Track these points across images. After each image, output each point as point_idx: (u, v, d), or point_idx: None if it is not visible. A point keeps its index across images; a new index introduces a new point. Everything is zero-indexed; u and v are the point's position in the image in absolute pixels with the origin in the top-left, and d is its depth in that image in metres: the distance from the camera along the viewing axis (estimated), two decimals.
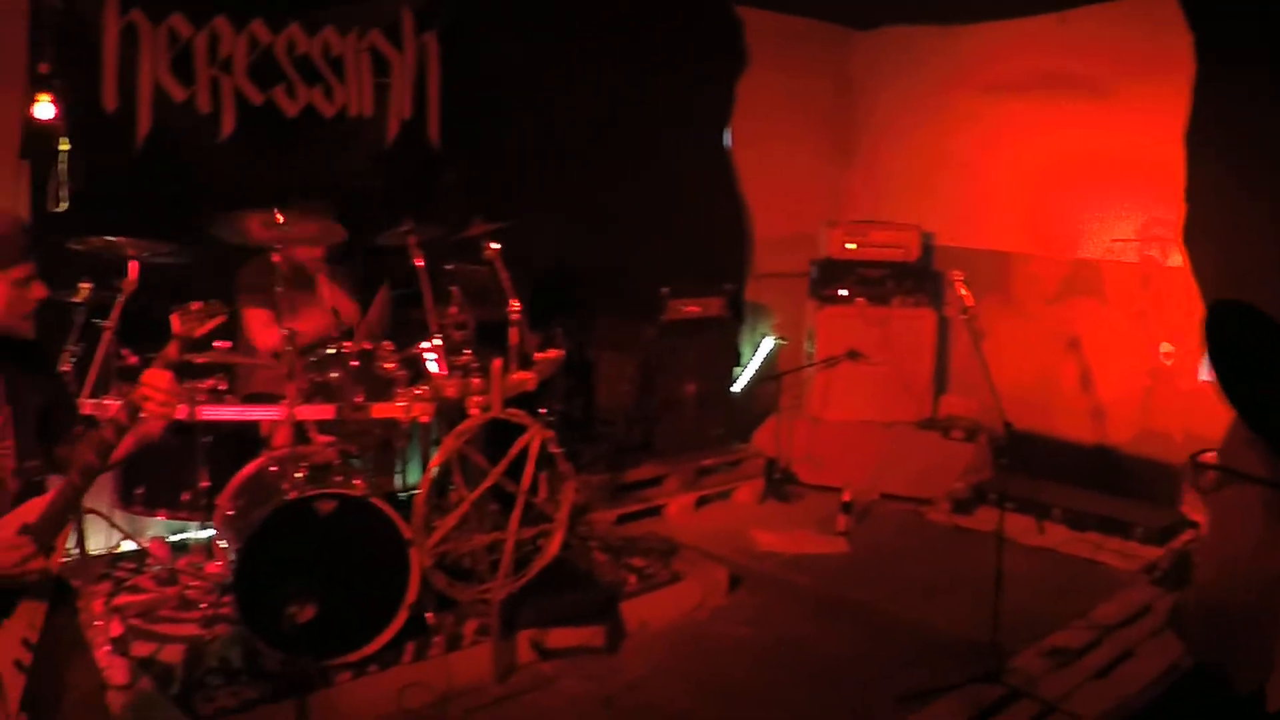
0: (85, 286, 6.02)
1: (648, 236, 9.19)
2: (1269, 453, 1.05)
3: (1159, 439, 8.87)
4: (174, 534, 7.06)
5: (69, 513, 3.69)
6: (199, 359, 5.82)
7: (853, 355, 9.20)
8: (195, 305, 3.88)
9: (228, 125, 7.32)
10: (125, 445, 3.75)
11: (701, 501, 8.87)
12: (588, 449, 8.25)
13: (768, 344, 10.37)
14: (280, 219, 5.89)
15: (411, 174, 8.05)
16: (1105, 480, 8.98)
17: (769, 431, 9.58)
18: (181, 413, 5.48)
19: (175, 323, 3.83)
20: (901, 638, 6.68)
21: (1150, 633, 6.54)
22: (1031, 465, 8.38)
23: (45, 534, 3.61)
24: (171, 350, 3.79)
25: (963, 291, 6.65)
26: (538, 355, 6.71)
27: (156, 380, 3.66)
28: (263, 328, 6.48)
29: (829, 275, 9.73)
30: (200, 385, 5.93)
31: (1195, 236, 8.31)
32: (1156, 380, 8.94)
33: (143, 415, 3.68)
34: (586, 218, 8.81)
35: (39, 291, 3.60)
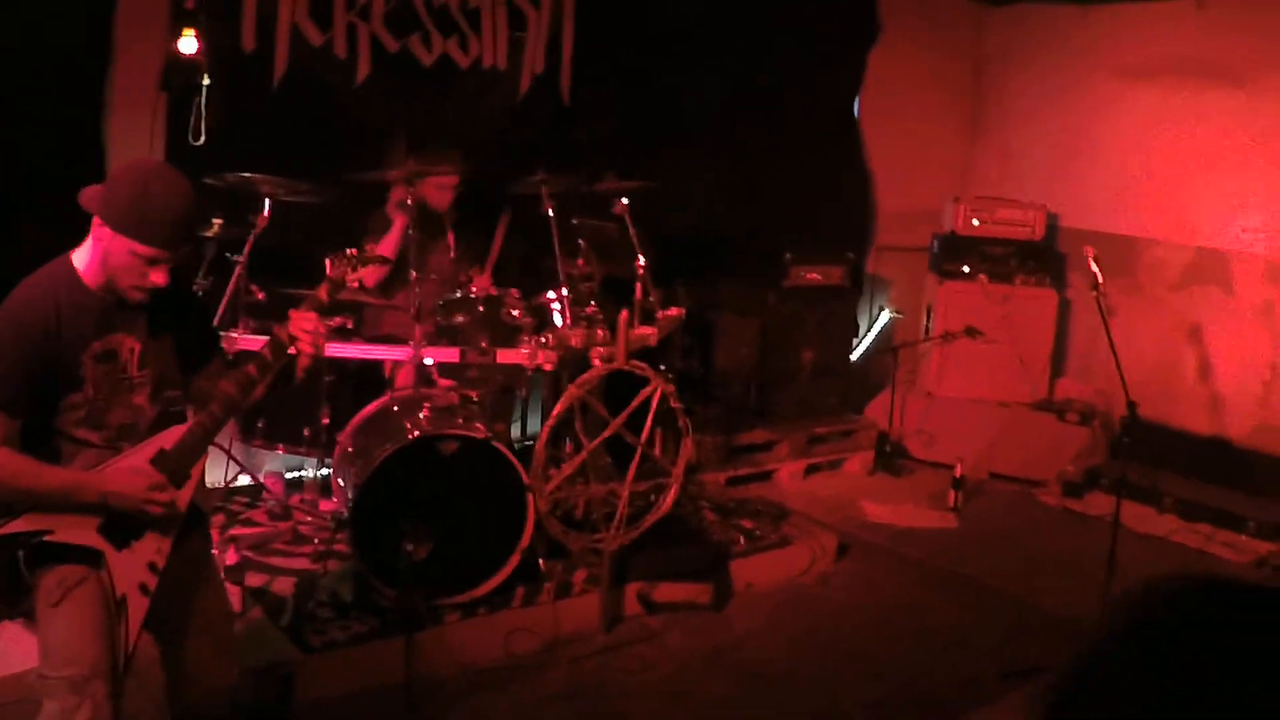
0: (217, 222, 6.12)
1: (773, 202, 9.20)
2: None
3: (1277, 434, 8.74)
4: (289, 471, 7.17)
5: (205, 443, 3.78)
6: (333, 318, 5.91)
7: (971, 332, 9.12)
8: (351, 251, 3.96)
9: (363, 70, 7.41)
10: (266, 383, 3.83)
11: (811, 469, 8.87)
12: (703, 409, 8.26)
13: (886, 316, 10.33)
14: (412, 162, 5.96)
15: (542, 128, 8.10)
16: (1219, 472, 8.86)
17: (882, 404, 9.54)
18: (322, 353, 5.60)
19: (329, 266, 3.91)
20: (1008, 614, 6.64)
21: None
22: (1146, 453, 8.28)
23: (179, 463, 3.69)
24: (322, 292, 3.86)
25: (1094, 267, 6.59)
26: (660, 312, 6.73)
27: (305, 322, 3.73)
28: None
29: (951, 250, 9.65)
30: (328, 323, 6.01)
31: None
32: (1277, 374, 8.80)
33: (290, 353, 3.75)
34: (714, 180, 8.84)
35: (159, 277, 3.59)
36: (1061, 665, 0.79)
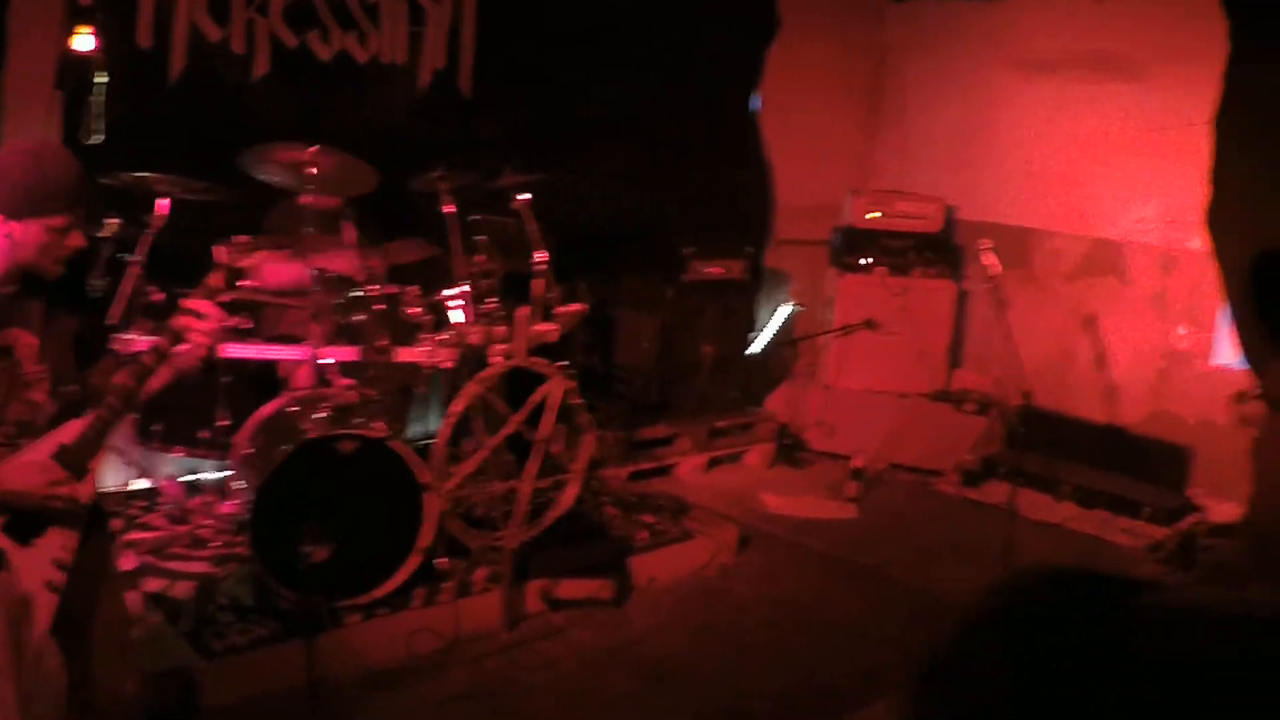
0: (113, 222, 6.03)
1: (674, 197, 9.20)
2: None
3: (1171, 421, 8.88)
4: (188, 473, 7.09)
5: (104, 437, 3.74)
6: (224, 296, 5.85)
7: (870, 324, 9.19)
8: (241, 238, 3.94)
9: (261, 67, 7.34)
10: (162, 375, 3.80)
11: (712, 463, 8.90)
12: (604, 405, 8.26)
13: (785, 310, 10.39)
14: (310, 160, 5.92)
15: (442, 123, 8.06)
16: (1115, 459, 8.99)
17: (782, 397, 9.61)
18: (220, 345, 5.55)
19: (220, 253, 3.88)
20: (908, 603, 6.71)
21: None
22: (1042, 441, 8.39)
23: (79, 457, 3.66)
24: (215, 279, 3.84)
25: (990, 259, 6.67)
26: (560, 308, 6.73)
27: (199, 308, 3.71)
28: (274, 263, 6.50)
29: (851, 243, 9.71)
30: (225, 324, 5.94)
31: (1217, 220, 8.31)
32: (1171, 362, 8.94)
33: (185, 342, 3.72)
34: (615, 174, 8.82)
35: (76, 240, 3.64)
36: (922, 653, 0.81)
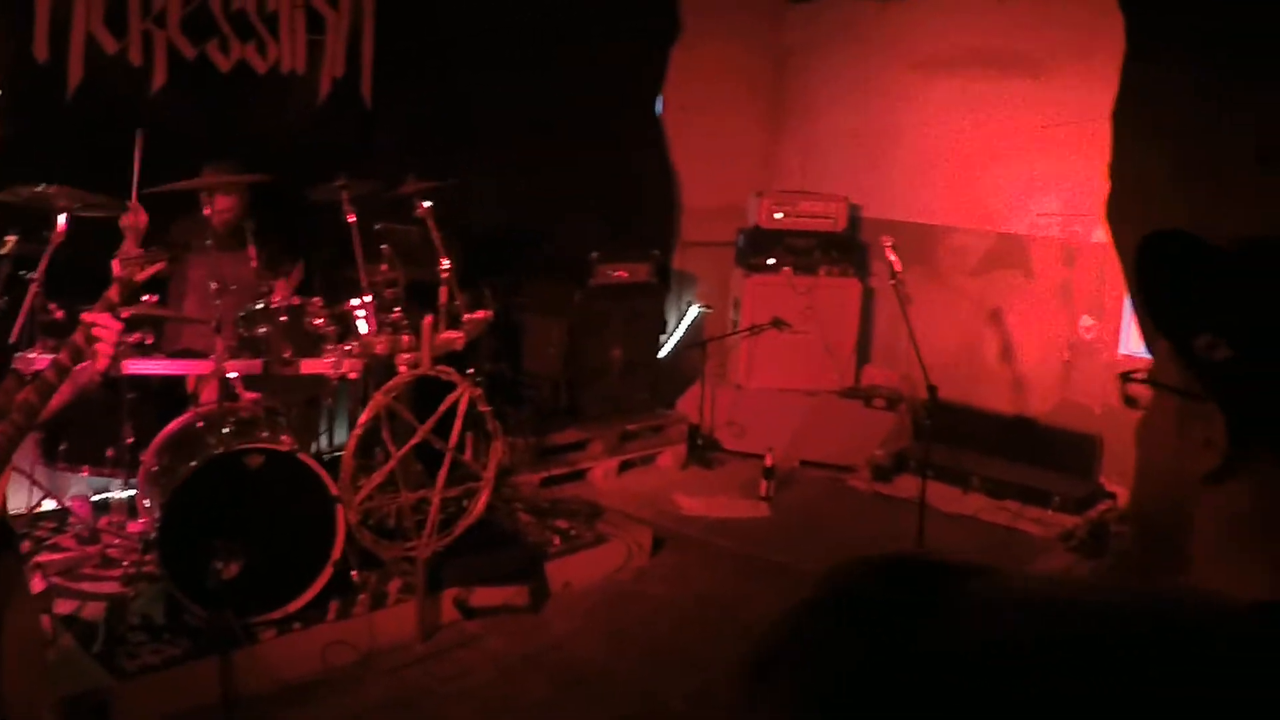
0: (10, 239, 5.96)
1: (578, 202, 9.19)
2: (1183, 365, 1.10)
3: (1078, 411, 9.00)
4: (95, 493, 7.00)
5: (9, 454, 3.70)
6: (125, 312, 5.78)
7: (777, 324, 9.23)
8: (137, 251, 3.90)
9: (159, 78, 7.26)
10: (64, 392, 3.76)
11: (625, 466, 8.91)
12: (514, 411, 8.26)
13: (694, 311, 10.42)
14: (204, 173, 5.88)
15: (343, 132, 8.01)
16: (1025, 450, 9.09)
17: (693, 398, 9.63)
18: (122, 360, 5.51)
19: (116, 267, 3.85)
20: None
21: None
22: (952, 435, 8.47)
23: None
24: (113, 293, 3.81)
25: (892, 256, 6.72)
26: (466, 315, 6.71)
27: (98, 321, 3.68)
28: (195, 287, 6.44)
29: (756, 244, 9.76)
30: (127, 339, 5.88)
31: (1117, 213, 8.42)
32: (1076, 353, 9.06)
33: (87, 358, 3.69)
34: (518, 180, 8.79)
35: None
36: (761, 635, 0.82)
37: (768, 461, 8.33)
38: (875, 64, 10.25)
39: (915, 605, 0.62)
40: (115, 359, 3.80)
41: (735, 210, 10.10)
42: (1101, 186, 8.49)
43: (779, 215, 9.75)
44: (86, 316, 3.71)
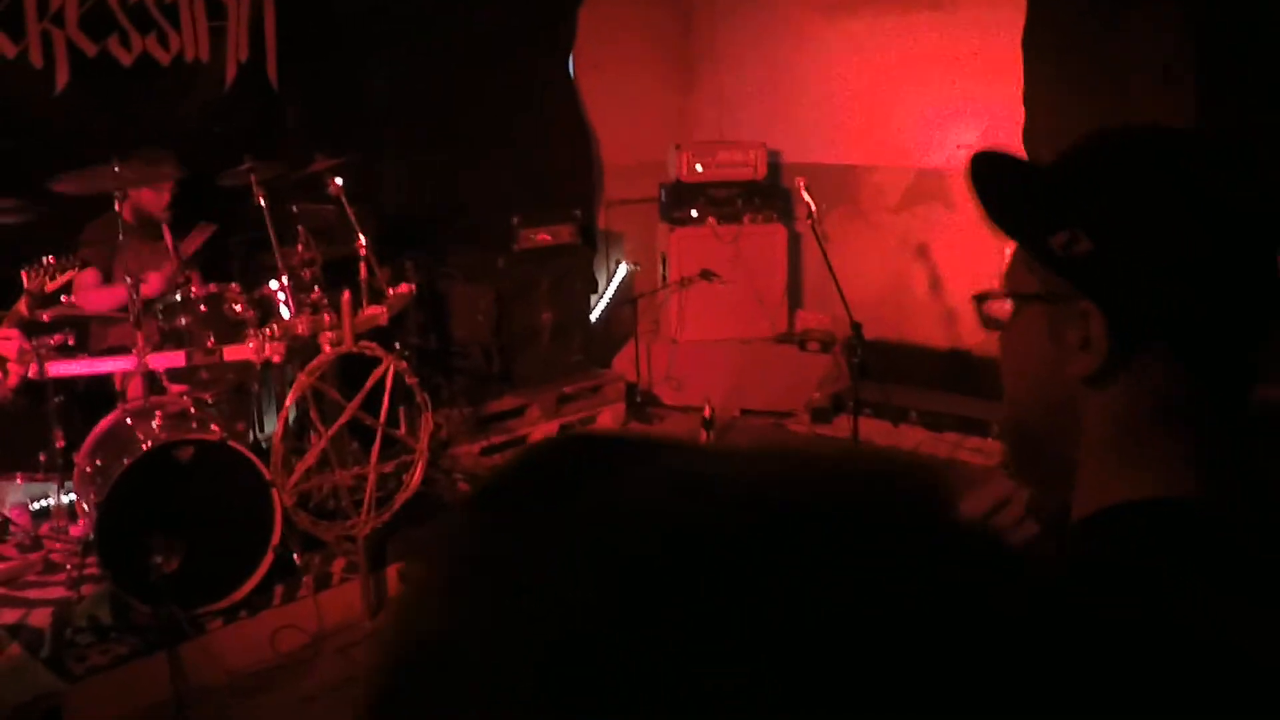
0: None
1: (496, 168, 9.16)
2: (1042, 269, 1.09)
3: None
4: (34, 500, 6.96)
5: None
6: (45, 315, 5.75)
7: (706, 275, 9.23)
8: (47, 259, 3.88)
9: (62, 78, 7.19)
10: None
11: (565, 428, 8.89)
12: (446, 383, 8.26)
13: (623, 270, 10.43)
14: (118, 168, 5.83)
15: (252, 116, 7.96)
16: (960, 382, 9.13)
17: (629, 356, 9.64)
18: (32, 370, 5.45)
19: (25, 278, 3.82)
20: None
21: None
22: (887, 372, 8.52)
23: None
24: (21, 306, 3.78)
25: (806, 197, 6.74)
26: (390, 290, 6.69)
27: (4, 336, 3.66)
28: (90, 289, 6.38)
29: (678, 198, 9.77)
30: (48, 341, 5.84)
31: (1035, 141, 8.45)
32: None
33: None
34: (433, 150, 8.77)
35: None
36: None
37: (705, 413, 8.35)
38: (781, 9, 10.24)
39: (584, 483, 0.61)
40: (23, 373, 3.77)
41: (656, 166, 10.08)
42: (1017, 114, 8.54)
43: (699, 168, 9.75)
44: None
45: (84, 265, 6.06)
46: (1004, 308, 1.41)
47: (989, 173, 1.40)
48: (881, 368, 8.05)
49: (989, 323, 1.44)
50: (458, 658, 0.55)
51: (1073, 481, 1.36)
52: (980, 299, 1.43)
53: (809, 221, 6.82)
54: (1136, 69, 7.83)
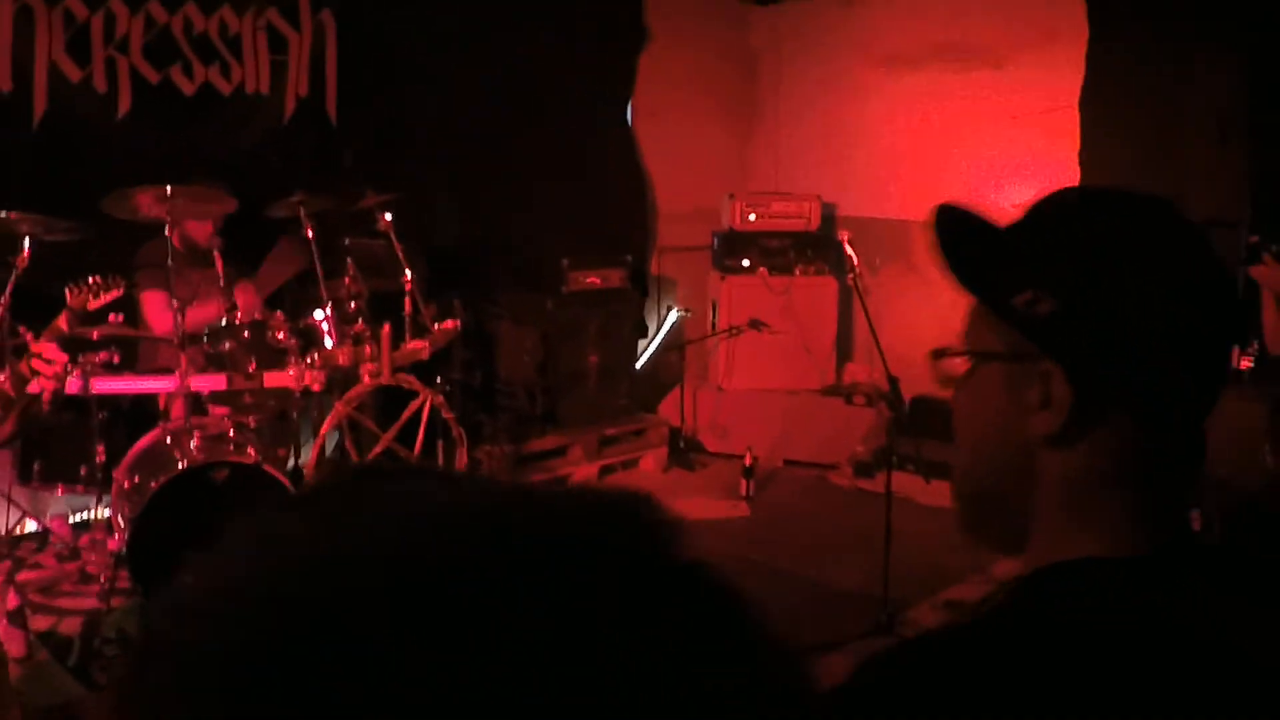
0: None
1: (550, 210, 9.23)
2: (1003, 327, 1.10)
3: None
4: (75, 512, 7.08)
5: None
6: (93, 333, 5.85)
7: (755, 325, 9.26)
8: (92, 279, 3.96)
9: (124, 104, 7.34)
10: (13, 416, 3.82)
11: (605, 471, 8.95)
12: (489, 420, 8.32)
13: (672, 315, 10.48)
14: (170, 194, 5.93)
15: (309, 150, 8.09)
16: None
17: (674, 402, 9.67)
18: (73, 386, 5.54)
19: (68, 295, 3.91)
20: (799, 595, 6.75)
21: None
22: (934, 428, 8.48)
23: None
24: (62, 322, 3.87)
25: (849, 250, 6.78)
26: (435, 326, 6.76)
27: (44, 352, 3.74)
28: (160, 311, 6.48)
29: (731, 246, 9.82)
30: (94, 359, 5.95)
31: None
32: None
33: (31, 386, 3.75)
34: (488, 191, 8.86)
35: None
36: None
37: (746, 460, 8.37)
38: (841, 63, 10.31)
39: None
40: (59, 389, 3.85)
41: (709, 214, 10.15)
42: (1072, 174, 8.55)
43: (752, 217, 9.80)
44: (34, 345, 3.77)
45: (138, 287, 6.18)
46: (958, 365, 1.43)
47: (952, 227, 1.43)
48: (927, 423, 8.04)
49: (943, 379, 1.46)
50: None
51: (1025, 542, 1.38)
52: (937, 355, 1.45)
53: (850, 276, 6.85)
54: (1192, 122, 7.84)
